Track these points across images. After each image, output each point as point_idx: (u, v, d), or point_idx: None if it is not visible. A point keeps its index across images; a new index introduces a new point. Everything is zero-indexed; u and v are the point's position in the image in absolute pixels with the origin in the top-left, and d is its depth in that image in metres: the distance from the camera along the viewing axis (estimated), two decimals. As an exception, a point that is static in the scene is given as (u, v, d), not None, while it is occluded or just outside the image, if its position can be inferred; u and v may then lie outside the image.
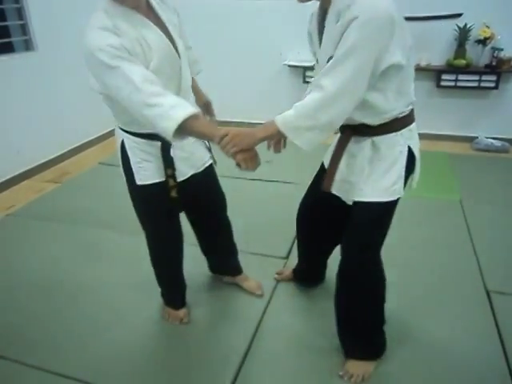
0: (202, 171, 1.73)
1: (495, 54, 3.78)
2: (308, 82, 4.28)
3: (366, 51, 1.16)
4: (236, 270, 2.10)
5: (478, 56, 3.88)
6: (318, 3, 1.34)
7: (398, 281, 2.09)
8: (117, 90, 1.29)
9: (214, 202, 1.88)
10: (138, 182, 1.60)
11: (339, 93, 1.20)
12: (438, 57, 3.99)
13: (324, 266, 2.04)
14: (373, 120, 1.36)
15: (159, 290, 1.96)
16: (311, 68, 4.21)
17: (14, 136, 3.43)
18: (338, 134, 1.52)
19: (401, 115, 1.37)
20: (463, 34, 3.76)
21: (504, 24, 3.70)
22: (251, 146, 1.31)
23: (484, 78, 3.86)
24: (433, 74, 4.06)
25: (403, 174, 1.41)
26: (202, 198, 1.81)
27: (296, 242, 2.04)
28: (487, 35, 3.70)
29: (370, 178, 1.41)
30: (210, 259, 2.11)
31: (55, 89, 3.78)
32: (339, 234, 1.76)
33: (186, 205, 1.76)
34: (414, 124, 1.44)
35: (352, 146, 1.44)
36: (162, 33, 1.39)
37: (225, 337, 1.84)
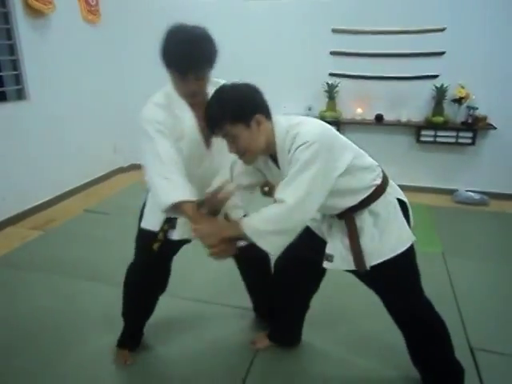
0: None
1: (471, 112, 3.99)
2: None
3: (315, 165, 1.36)
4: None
5: (454, 114, 4.09)
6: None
7: (382, 335, 2.10)
8: (146, 154, 1.57)
9: None
10: (142, 225, 1.79)
11: (298, 204, 1.38)
12: (417, 113, 4.20)
13: (302, 324, 2.04)
14: (356, 199, 1.52)
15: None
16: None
17: (0, 182, 3.42)
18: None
19: (378, 181, 1.54)
20: (440, 93, 3.99)
21: (478, 85, 3.94)
22: (217, 243, 1.46)
23: (461, 134, 4.05)
24: (413, 130, 4.25)
25: (405, 222, 1.60)
26: None
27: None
28: (462, 95, 3.92)
29: (381, 239, 1.54)
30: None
31: (44, 136, 3.83)
32: (317, 285, 1.92)
33: None
34: (390, 180, 1.62)
35: (356, 220, 1.55)
36: (195, 123, 1.62)
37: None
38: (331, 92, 4.22)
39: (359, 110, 4.27)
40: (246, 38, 4.33)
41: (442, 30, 3.91)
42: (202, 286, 2.60)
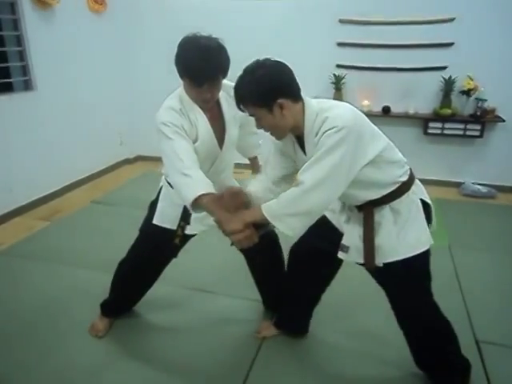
0: None
1: (479, 105, 3.94)
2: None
3: (340, 151, 1.34)
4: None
5: (462, 106, 4.05)
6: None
7: (386, 328, 2.09)
8: (165, 154, 1.61)
9: None
10: (154, 221, 1.85)
11: (315, 186, 1.38)
12: (425, 105, 4.16)
13: (311, 314, 2.04)
14: (378, 193, 1.50)
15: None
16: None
17: (7, 173, 3.44)
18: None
19: (405, 178, 1.52)
20: (448, 85, 3.94)
21: (487, 76, 3.89)
22: (240, 229, 1.47)
23: (469, 126, 4.01)
24: (420, 122, 4.21)
25: (425, 225, 1.57)
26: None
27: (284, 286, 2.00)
28: (471, 87, 3.87)
29: (399, 237, 1.53)
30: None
31: (50, 128, 3.84)
32: (331, 276, 1.90)
33: None
34: (416, 179, 1.60)
35: (375, 215, 1.54)
36: (210, 128, 1.69)
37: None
38: (338, 83, 4.18)
39: (366, 102, 4.23)
40: (252, 29, 4.29)
41: (451, 20, 3.86)
42: (208, 276, 2.61)
